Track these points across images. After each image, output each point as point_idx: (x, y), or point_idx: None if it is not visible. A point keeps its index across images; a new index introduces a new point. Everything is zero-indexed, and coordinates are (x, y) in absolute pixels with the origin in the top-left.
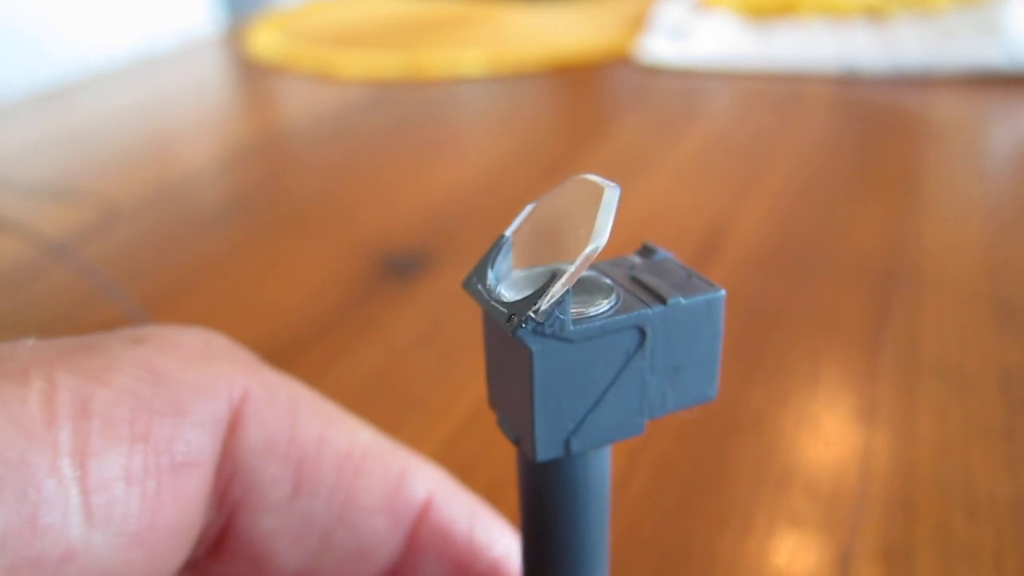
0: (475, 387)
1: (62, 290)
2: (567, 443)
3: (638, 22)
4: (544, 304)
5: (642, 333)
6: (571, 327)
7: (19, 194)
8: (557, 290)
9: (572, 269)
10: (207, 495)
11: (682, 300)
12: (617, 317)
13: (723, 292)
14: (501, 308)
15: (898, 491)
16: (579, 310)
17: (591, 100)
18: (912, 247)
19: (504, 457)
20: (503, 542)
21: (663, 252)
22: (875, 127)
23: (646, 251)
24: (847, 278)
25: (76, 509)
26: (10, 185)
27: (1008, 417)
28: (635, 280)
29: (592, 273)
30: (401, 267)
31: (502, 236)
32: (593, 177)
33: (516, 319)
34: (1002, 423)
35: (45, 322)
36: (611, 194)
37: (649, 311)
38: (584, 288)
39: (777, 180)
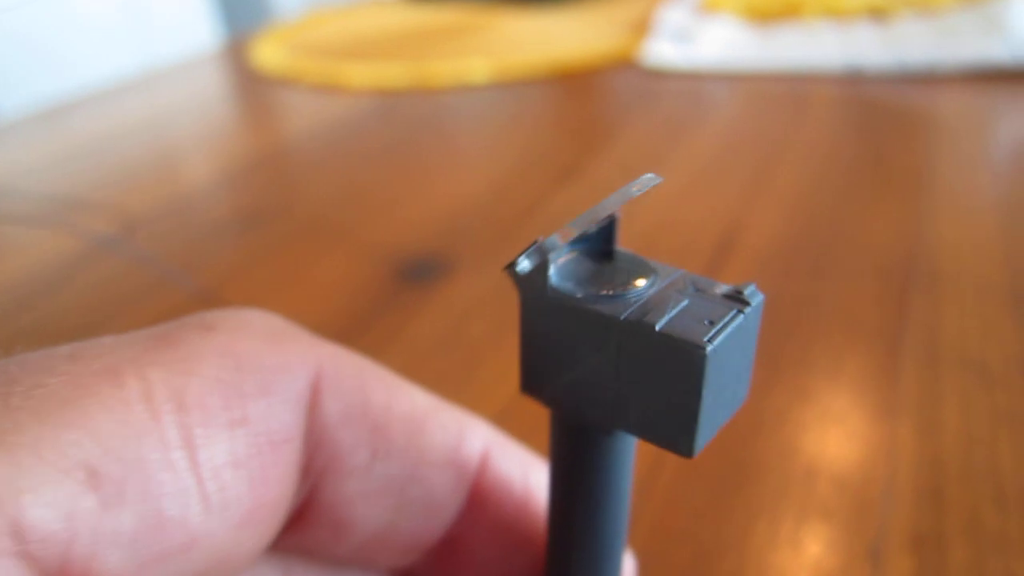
0: (500, 389)
1: (102, 287)
2: (711, 428)
3: (641, 26)
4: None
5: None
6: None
7: (30, 210)
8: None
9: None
10: (299, 469)
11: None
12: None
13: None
14: (685, 326)
15: (926, 482)
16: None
17: (598, 105)
18: (926, 241)
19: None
20: None
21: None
22: (882, 125)
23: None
24: (863, 274)
25: (194, 499)
26: (21, 199)
27: None
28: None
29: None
30: (417, 275)
31: (546, 240)
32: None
33: (705, 336)
34: None
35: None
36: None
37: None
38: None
39: (788, 180)
